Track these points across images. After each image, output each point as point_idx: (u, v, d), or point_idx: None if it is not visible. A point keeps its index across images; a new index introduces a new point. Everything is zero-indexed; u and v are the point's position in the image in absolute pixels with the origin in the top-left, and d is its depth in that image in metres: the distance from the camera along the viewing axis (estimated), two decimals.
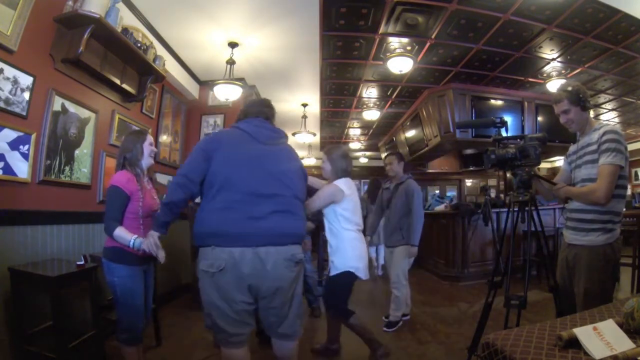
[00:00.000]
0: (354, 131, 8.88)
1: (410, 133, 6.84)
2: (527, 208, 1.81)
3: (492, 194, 7.26)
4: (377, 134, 8.91)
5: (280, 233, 1.55)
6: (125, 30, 2.82)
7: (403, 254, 3.06)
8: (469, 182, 11.09)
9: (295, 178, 1.67)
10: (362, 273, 2.26)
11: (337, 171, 2.30)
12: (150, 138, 2.06)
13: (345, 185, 2.25)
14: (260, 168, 1.58)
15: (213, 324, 1.55)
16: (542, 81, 5.41)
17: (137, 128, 3.43)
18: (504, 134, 1.93)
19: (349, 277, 2.23)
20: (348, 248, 2.25)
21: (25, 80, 2.15)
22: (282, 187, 1.59)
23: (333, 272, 2.28)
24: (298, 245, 1.64)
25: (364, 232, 2.47)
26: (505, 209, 4.31)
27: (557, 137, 5.02)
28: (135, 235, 1.81)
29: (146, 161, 2.02)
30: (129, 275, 1.87)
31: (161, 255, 1.78)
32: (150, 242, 1.68)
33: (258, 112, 1.75)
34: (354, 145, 10.09)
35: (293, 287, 1.62)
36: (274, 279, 1.52)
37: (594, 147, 1.73)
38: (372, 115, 7.04)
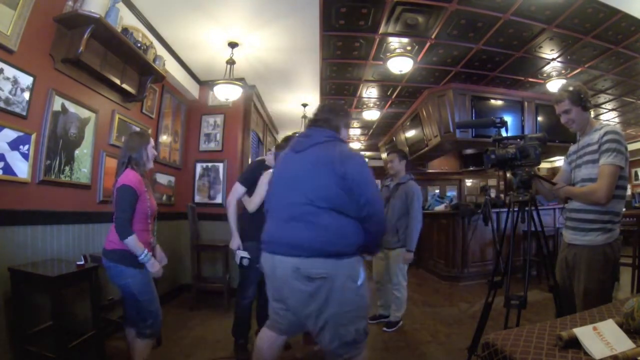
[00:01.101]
0: (354, 131, 8.87)
1: (410, 133, 6.84)
2: (527, 208, 1.81)
3: (492, 194, 7.26)
4: (377, 134, 8.90)
5: (287, 243, 1.54)
6: (125, 30, 2.82)
7: (400, 257, 3.03)
8: (469, 182, 11.09)
9: (318, 184, 1.54)
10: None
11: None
12: (152, 141, 2.11)
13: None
14: (282, 178, 1.67)
15: None
16: (542, 81, 5.41)
17: (137, 128, 3.43)
18: (504, 134, 1.93)
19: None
20: None
21: (25, 80, 2.15)
22: (299, 195, 1.55)
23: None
24: (315, 258, 1.49)
25: None
26: (505, 209, 4.31)
27: (557, 137, 5.02)
28: (146, 250, 1.89)
29: (149, 164, 2.08)
30: (140, 273, 1.89)
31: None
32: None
33: (309, 122, 1.82)
34: (354, 145, 10.08)
35: (314, 304, 1.51)
36: (283, 286, 1.57)
37: (595, 147, 1.74)
38: (372, 115, 7.03)
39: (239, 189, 2.60)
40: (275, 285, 1.62)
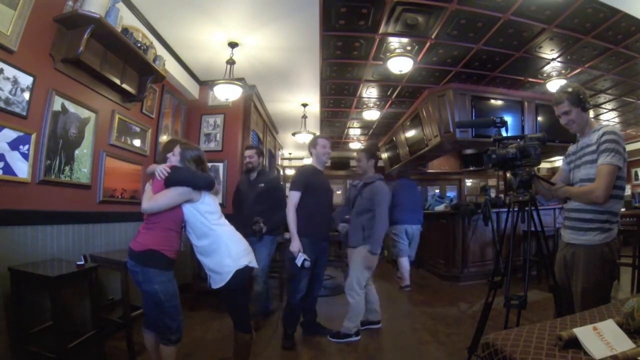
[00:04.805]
0: (354, 131, 8.88)
1: (410, 133, 6.83)
2: (527, 208, 1.81)
3: (492, 194, 7.26)
4: (377, 134, 8.90)
5: (419, 220, 4.51)
6: (125, 30, 2.82)
7: (362, 255, 2.78)
8: (469, 182, 11.07)
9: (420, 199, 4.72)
10: (255, 263, 2.02)
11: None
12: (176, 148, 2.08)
13: None
14: (411, 195, 4.59)
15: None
16: (542, 81, 5.40)
17: (137, 128, 3.43)
18: (504, 134, 1.93)
19: (244, 275, 1.94)
20: (230, 244, 1.93)
21: (25, 80, 2.15)
22: (419, 204, 4.68)
23: (223, 281, 1.90)
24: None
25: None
26: (505, 209, 4.30)
27: (557, 137, 5.01)
28: None
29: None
30: (169, 279, 1.85)
31: None
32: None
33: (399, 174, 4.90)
34: (354, 145, 10.08)
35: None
36: (414, 236, 4.53)
37: (593, 147, 1.74)
38: (372, 115, 7.03)
39: (296, 195, 2.72)
40: (410, 238, 4.43)
